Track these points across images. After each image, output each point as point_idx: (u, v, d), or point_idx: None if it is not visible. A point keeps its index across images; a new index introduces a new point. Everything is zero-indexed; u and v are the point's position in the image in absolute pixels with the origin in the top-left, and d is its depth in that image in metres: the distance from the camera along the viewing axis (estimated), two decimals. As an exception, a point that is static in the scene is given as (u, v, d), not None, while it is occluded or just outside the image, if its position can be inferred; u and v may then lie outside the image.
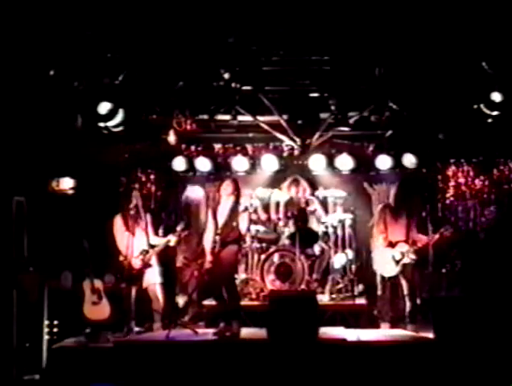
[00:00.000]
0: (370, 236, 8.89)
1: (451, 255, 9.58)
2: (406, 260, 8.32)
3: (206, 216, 8.32)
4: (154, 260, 8.38)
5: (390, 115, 9.42)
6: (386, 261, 8.44)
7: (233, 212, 7.99)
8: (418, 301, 8.70)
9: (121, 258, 8.20)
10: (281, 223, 9.74)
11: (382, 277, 8.60)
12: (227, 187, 8.05)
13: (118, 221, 8.39)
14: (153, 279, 8.38)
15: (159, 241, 8.37)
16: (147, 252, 8.26)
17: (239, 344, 7.61)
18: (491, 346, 6.98)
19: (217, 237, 7.85)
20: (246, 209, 8.29)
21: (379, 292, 8.68)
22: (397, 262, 8.35)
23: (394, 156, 9.77)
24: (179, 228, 8.32)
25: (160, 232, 8.71)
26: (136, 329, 8.20)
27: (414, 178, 9.75)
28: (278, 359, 7.13)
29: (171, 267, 9.64)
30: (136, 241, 8.24)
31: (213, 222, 8.04)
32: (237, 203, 8.04)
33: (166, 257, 8.97)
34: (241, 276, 9.34)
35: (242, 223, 8.09)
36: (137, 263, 8.21)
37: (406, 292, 8.44)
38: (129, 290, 8.20)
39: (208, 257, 7.94)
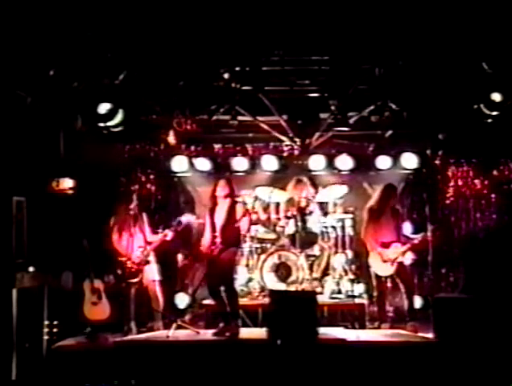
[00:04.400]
0: (362, 238, 8.85)
1: (451, 255, 9.59)
2: (401, 259, 8.32)
3: (204, 217, 8.38)
4: (152, 258, 8.42)
5: (390, 115, 9.41)
6: (381, 261, 8.44)
7: (231, 213, 8.02)
8: (418, 302, 8.71)
9: (120, 258, 8.24)
10: (281, 223, 9.73)
11: (380, 277, 8.59)
12: (222, 190, 8.11)
13: (113, 222, 8.44)
14: (152, 276, 8.41)
15: (156, 238, 8.40)
16: (144, 248, 8.30)
17: (239, 344, 7.62)
18: (491, 346, 6.98)
19: (217, 240, 7.90)
20: (248, 210, 8.30)
21: (377, 292, 8.66)
22: (391, 261, 8.34)
23: (394, 156, 9.76)
24: (174, 223, 8.35)
25: (160, 231, 8.71)
26: (136, 329, 8.21)
27: (410, 177, 9.77)
28: (277, 359, 7.13)
29: (172, 266, 9.65)
30: (135, 241, 8.28)
31: (210, 223, 8.08)
32: (234, 204, 8.08)
33: (165, 255, 8.98)
34: (241, 276, 9.33)
35: (243, 224, 8.12)
36: (135, 260, 8.24)
37: (403, 291, 8.44)
38: (128, 290, 8.22)
39: (208, 257, 7.98)
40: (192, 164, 9.94)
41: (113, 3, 7.58)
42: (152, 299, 8.44)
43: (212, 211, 8.17)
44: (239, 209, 8.10)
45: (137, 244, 8.32)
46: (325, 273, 9.53)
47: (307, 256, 9.42)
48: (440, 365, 6.99)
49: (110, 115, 8.55)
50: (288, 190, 9.95)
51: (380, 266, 8.44)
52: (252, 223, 9.44)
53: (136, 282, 8.30)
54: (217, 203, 8.17)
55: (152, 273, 8.43)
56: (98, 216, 8.97)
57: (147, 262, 8.37)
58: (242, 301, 8.68)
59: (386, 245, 8.38)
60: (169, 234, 8.36)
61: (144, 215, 8.51)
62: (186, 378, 7.14)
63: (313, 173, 10.02)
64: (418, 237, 8.24)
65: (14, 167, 8.12)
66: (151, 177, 10.08)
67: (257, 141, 10.29)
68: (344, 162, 9.81)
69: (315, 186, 10.04)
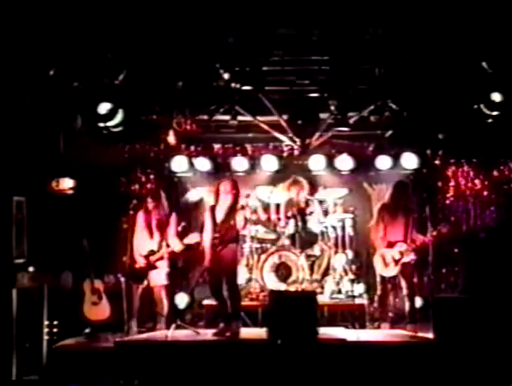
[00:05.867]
0: (369, 237, 8.89)
1: (451, 255, 9.59)
2: (405, 259, 8.33)
3: (204, 215, 8.36)
4: (164, 262, 8.34)
5: (390, 115, 9.41)
6: (383, 263, 8.45)
7: (231, 211, 8.03)
8: (418, 302, 8.72)
9: (126, 258, 8.21)
10: (281, 224, 9.73)
11: (382, 277, 8.60)
12: (225, 187, 8.11)
13: (140, 217, 8.39)
14: (159, 280, 8.36)
15: (175, 243, 8.29)
16: (154, 253, 8.26)
17: (239, 344, 7.62)
18: (491, 346, 6.98)
19: (216, 235, 7.89)
20: (243, 207, 8.29)
21: (379, 292, 8.67)
22: (395, 262, 8.35)
23: (394, 156, 9.77)
24: (190, 237, 8.18)
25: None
26: (136, 329, 8.21)
27: (410, 177, 9.76)
28: (278, 360, 7.13)
29: (175, 268, 9.64)
30: (151, 241, 8.27)
31: (211, 220, 8.07)
32: (235, 202, 8.09)
33: (172, 259, 8.96)
34: (241, 276, 9.32)
35: (238, 220, 8.10)
36: (141, 262, 8.22)
37: (405, 292, 8.45)
38: (133, 289, 8.20)
39: (208, 256, 7.98)
40: (191, 164, 9.94)
41: (112, 3, 7.59)
42: (157, 302, 8.42)
43: (213, 208, 8.17)
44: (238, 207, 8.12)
45: (151, 245, 8.31)
46: (325, 273, 9.53)
47: (308, 257, 9.43)
48: (440, 365, 6.98)
49: (110, 115, 8.55)
50: (283, 189, 9.94)
51: (384, 267, 8.44)
52: (251, 222, 9.47)
53: (142, 283, 8.27)
54: (218, 201, 8.17)
55: (160, 278, 8.36)
56: (98, 216, 8.97)
57: (154, 267, 8.32)
58: (242, 301, 8.67)
59: (391, 245, 8.39)
60: (178, 247, 8.25)
61: (173, 216, 8.45)
62: (186, 378, 7.13)
63: (313, 173, 10.03)
64: (426, 237, 8.23)
65: (14, 167, 8.12)
66: (151, 177, 10.06)
67: (257, 141, 10.28)
68: (344, 162, 9.82)
69: (314, 186, 10.05)
